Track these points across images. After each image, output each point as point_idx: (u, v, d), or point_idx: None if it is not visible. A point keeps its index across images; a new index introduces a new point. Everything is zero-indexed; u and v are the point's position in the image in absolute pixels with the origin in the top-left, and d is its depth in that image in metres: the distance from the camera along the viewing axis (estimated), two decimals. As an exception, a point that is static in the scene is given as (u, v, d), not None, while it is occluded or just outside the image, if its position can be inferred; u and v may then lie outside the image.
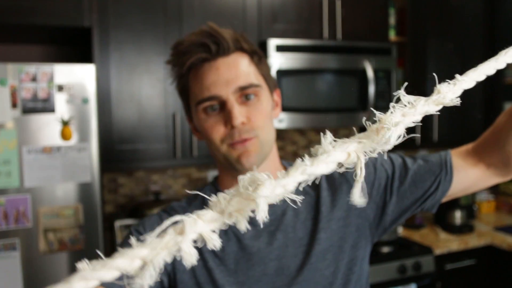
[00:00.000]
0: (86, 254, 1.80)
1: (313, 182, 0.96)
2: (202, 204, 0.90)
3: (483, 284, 2.59)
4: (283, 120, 2.28)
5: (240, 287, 0.84)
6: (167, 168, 2.52)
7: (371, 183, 0.90)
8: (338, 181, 0.91)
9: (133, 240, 0.35)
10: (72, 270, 1.78)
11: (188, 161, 2.20)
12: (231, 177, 0.89)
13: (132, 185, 2.48)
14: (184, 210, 0.90)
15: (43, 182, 1.74)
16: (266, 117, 0.84)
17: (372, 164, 0.91)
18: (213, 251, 0.86)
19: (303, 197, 0.90)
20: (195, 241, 0.92)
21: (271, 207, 0.85)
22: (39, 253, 1.74)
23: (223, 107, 0.81)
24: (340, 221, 0.89)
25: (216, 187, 0.92)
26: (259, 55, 0.86)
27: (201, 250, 0.86)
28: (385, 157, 0.92)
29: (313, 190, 0.92)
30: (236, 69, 0.81)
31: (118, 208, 2.45)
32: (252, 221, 0.90)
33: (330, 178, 0.92)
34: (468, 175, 0.87)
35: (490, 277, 2.59)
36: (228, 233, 0.86)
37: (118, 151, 2.08)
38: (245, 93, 0.82)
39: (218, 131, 0.82)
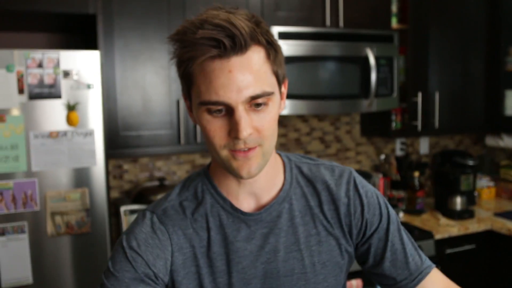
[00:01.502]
0: (92, 237, 1.84)
1: (314, 189, 0.93)
2: (194, 197, 0.89)
3: (483, 268, 2.63)
4: (285, 107, 2.30)
5: None
6: (172, 155, 2.55)
7: (365, 220, 0.92)
8: (344, 202, 0.91)
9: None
10: (79, 252, 1.82)
11: (192, 148, 2.23)
12: (224, 172, 0.85)
13: (137, 171, 2.51)
14: (177, 214, 0.87)
15: (49, 167, 1.77)
16: (274, 125, 0.79)
17: (378, 211, 0.93)
18: (206, 254, 0.85)
19: (301, 201, 0.90)
20: (192, 248, 0.92)
21: (268, 208, 0.87)
22: (46, 236, 1.78)
23: (229, 112, 0.75)
24: (340, 239, 0.91)
25: (208, 178, 0.89)
26: (275, 48, 0.78)
27: (197, 257, 0.85)
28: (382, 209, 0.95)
29: (315, 198, 0.91)
30: (250, 73, 0.73)
31: (123, 194, 2.49)
32: (247, 222, 0.87)
33: (332, 192, 0.91)
34: None
35: (489, 261, 2.63)
36: (221, 235, 0.86)
37: (123, 137, 2.11)
38: (256, 102, 0.75)
39: (220, 138, 0.76)
